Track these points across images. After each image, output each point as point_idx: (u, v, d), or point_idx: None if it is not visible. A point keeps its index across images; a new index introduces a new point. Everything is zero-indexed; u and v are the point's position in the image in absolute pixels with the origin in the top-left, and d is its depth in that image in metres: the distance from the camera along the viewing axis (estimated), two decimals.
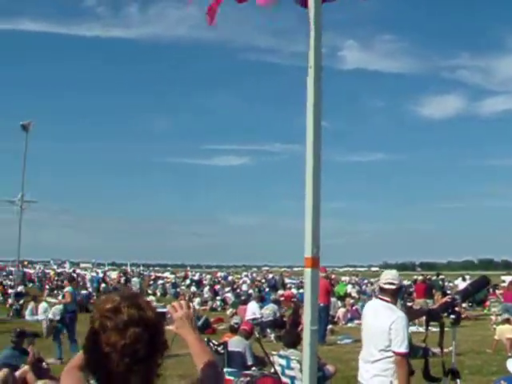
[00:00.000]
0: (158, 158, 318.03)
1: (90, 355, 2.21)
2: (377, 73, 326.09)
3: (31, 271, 66.38)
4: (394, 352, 6.06)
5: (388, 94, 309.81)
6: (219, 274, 73.54)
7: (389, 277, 6.53)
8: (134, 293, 2.39)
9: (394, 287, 6.44)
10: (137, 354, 2.11)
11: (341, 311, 27.16)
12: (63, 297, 17.20)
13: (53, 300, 19.66)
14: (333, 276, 44.18)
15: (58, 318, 16.72)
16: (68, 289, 17.23)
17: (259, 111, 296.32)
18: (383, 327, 6.14)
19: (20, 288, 34.85)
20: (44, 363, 11.41)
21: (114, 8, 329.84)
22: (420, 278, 34.76)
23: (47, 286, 43.16)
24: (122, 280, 50.33)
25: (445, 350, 6.89)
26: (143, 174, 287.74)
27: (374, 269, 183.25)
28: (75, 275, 52.91)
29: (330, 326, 21.56)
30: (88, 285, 43.53)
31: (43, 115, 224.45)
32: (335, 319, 25.81)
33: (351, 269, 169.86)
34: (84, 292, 35.97)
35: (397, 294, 6.60)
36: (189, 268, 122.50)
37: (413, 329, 12.92)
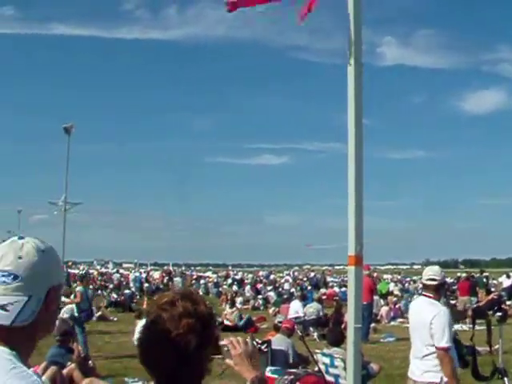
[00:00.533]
0: (197, 158, 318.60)
1: (143, 348, 2.30)
2: (416, 68, 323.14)
3: (75, 272, 67.08)
4: (436, 347, 6.04)
5: (428, 90, 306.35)
6: (261, 273, 73.47)
7: (430, 273, 6.52)
8: (188, 289, 2.50)
9: (435, 283, 6.42)
10: (189, 344, 2.19)
11: (383, 309, 26.99)
12: (75, 296, 17.51)
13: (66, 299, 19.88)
14: (375, 274, 43.93)
15: (66, 315, 16.96)
16: (79, 288, 17.59)
17: (296, 109, 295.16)
18: (425, 322, 6.13)
19: (65, 288, 35.33)
20: (90, 361, 11.59)
21: (152, 10, 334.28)
22: (464, 275, 34.31)
23: (91, 286, 43.64)
24: (165, 280, 50.63)
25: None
26: (183, 173, 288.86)
27: (416, 266, 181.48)
28: (119, 275, 53.79)
29: (372, 325, 21.45)
30: (131, 284, 43.86)
31: (85, 117, 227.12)
32: (378, 317, 25.67)
33: (393, 267, 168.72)
34: (127, 292, 36.30)
35: (439, 290, 6.57)
36: (230, 267, 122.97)
37: (457, 327, 12.78)
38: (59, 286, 2.04)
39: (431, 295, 6.37)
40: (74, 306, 17.12)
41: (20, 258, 1.91)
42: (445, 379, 5.99)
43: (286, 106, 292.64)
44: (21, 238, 1.99)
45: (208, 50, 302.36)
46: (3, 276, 1.89)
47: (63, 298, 23.09)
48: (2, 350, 1.83)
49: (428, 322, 6.08)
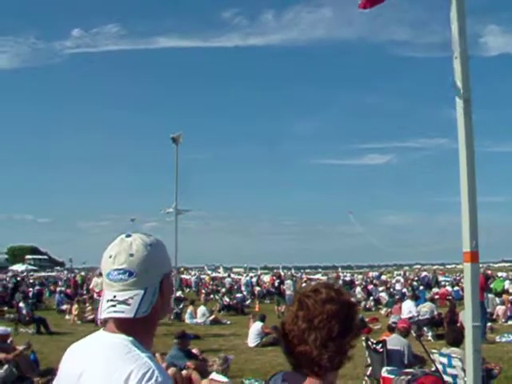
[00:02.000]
0: (303, 160, 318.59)
1: (286, 333, 2.35)
2: None
3: (187, 277, 68.51)
4: None
5: None
6: (371, 274, 72.80)
7: None
8: (332, 281, 2.55)
9: None
10: (331, 330, 2.24)
11: (500, 308, 26.15)
12: None
13: None
14: (489, 271, 42.70)
15: None
16: None
17: (399, 106, 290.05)
18: None
19: (178, 293, 36.11)
20: (208, 363, 11.84)
21: (250, 17, 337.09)
22: None
23: (203, 291, 44.46)
24: (276, 283, 50.94)
25: None
26: (289, 176, 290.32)
27: None
28: (230, 279, 54.53)
29: (489, 324, 20.86)
30: (243, 288, 44.39)
31: (192, 123, 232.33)
32: (494, 317, 24.93)
33: (507, 264, 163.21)
34: (239, 295, 36.83)
35: None
36: (340, 269, 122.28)
37: None
38: (170, 273, 2.23)
39: None
40: None
41: (131, 255, 2.09)
42: None
43: (388, 104, 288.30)
44: (128, 235, 2.16)
45: (307, 52, 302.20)
46: (119, 274, 2.08)
47: None
48: (122, 338, 2.06)
49: None
